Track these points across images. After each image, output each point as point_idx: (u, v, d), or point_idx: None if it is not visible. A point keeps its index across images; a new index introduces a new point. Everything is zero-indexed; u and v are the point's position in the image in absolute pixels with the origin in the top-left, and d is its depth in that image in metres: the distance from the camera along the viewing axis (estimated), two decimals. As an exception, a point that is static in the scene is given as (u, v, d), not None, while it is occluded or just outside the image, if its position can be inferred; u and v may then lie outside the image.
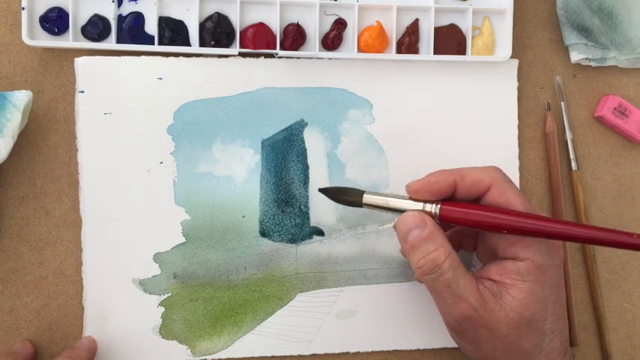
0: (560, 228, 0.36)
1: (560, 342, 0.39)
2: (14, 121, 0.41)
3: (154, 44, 0.44)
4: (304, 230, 0.46)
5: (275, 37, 0.45)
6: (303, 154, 0.47)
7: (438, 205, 0.39)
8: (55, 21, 0.43)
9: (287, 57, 0.46)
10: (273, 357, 0.46)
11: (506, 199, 0.38)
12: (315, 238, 0.46)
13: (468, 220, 0.38)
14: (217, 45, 0.45)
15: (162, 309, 0.45)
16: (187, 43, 0.45)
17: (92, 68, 0.45)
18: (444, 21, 0.47)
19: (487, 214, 0.37)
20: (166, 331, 0.45)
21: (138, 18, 0.45)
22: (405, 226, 0.39)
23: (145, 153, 0.45)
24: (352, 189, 0.42)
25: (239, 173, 0.46)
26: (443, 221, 0.39)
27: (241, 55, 0.46)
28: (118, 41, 0.44)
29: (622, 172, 0.50)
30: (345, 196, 0.42)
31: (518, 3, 0.49)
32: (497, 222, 0.37)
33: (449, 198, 0.39)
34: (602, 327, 0.49)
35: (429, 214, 0.39)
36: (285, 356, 0.46)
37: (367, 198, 0.41)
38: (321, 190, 0.44)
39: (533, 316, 0.38)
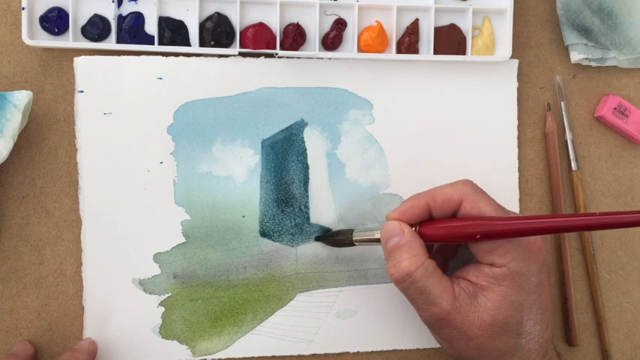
0: (527, 223, 0.37)
1: (539, 344, 0.40)
2: (14, 121, 0.41)
3: (153, 44, 0.44)
4: (304, 230, 0.46)
5: (275, 37, 0.45)
6: (303, 154, 0.47)
7: (417, 227, 0.40)
8: (55, 21, 0.43)
9: (287, 57, 0.46)
10: (273, 357, 0.46)
11: (478, 210, 0.39)
12: (315, 238, 0.47)
13: (441, 235, 0.39)
14: (217, 45, 0.45)
15: (162, 309, 0.45)
16: (187, 43, 0.45)
17: (92, 68, 0.44)
18: (444, 21, 0.47)
19: (456, 224, 0.39)
20: (166, 331, 0.45)
21: (138, 18, 0.45)
22: (386, 234, 0.40)
23: (145, 153, 0.45)
24: (345, 230, 0.45)
25: (239, 173, 0.46)
26: (425, 241, 0.40)
27: (241, 55, 0.46)
28: (118, 41, 0.44)
29: (622, 172, 0.50)
30: (339, 236, 0.45)
31: (518, 3, 0.49)
32: (466, 230, 0.38)
33: (429, 219, 0.41)
34: (602, 327, 0.49)
35: None
36: (285, 356, 0.46)
37: (356, 235, 0.43)
38: (317, 239, 0.46)
39: (506, 319, 0.39)
